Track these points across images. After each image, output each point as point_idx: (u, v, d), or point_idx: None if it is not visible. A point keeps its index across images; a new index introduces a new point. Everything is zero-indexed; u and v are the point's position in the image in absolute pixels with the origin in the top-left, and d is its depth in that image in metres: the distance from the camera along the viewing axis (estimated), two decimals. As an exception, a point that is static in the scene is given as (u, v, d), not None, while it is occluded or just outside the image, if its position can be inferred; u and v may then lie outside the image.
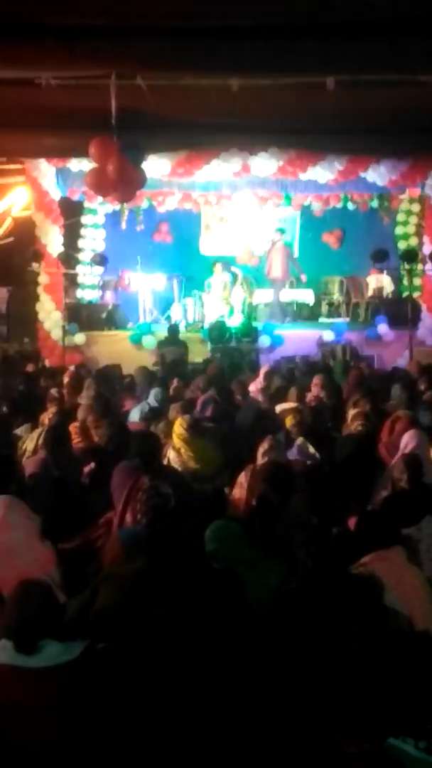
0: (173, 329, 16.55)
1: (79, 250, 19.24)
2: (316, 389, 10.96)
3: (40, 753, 3.11)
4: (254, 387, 11.83)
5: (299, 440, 7.77)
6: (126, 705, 3.23)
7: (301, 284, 19.97)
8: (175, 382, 11.76)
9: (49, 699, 3.19)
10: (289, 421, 8.86)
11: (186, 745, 3.21)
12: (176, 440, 7.86)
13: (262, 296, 19.59)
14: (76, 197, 18.10)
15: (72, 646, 3.38)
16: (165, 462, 7.71)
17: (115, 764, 3.09)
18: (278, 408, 9.67)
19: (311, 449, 7.74)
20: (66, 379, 12.23)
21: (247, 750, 3.30)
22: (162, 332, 17.04)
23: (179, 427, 7.93)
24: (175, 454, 7.75)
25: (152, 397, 10.41)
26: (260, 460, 6.98)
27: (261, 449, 7.18)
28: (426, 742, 2.92)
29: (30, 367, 14.22)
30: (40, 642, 3.41)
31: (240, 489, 6.64)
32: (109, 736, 3.12)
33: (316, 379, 11.35)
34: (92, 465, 7.71)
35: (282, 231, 19.43)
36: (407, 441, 7.65)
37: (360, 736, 3.19)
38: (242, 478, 6.67)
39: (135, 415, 9.77)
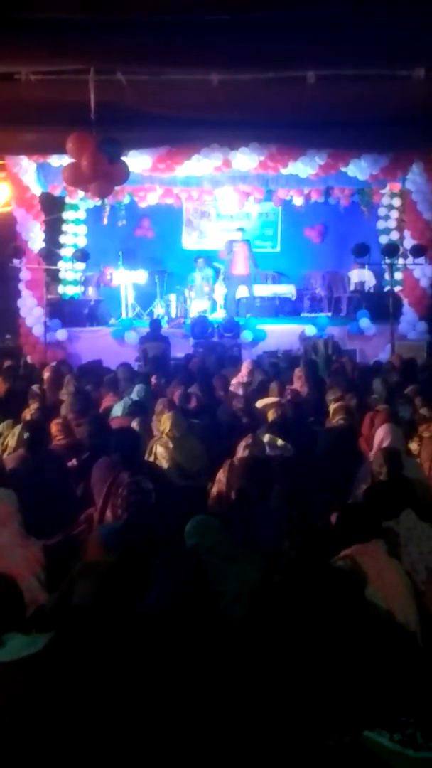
0: (155, 324, 16.53)
1: (60, 245, 19.22)
2: (298, 382, 11.00)
3: (3, 748, 3.08)
4: (236, 382, 11.85)
5: (266, 436, 7.75)
6: (91, 697, 3.20)
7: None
8: (154, 379, 11.76)
9: (12, 693, 3.15)
10: (270, 416, 8.89)
11: (157, 739, 3.20)
12: (165, 436, 7.85)
13: (245, 291, 19.59)
14: (57, 193, 18.03)
15: (36, 638, 3.34)
16: (152, 457, 7.71)
17: (80, 758, 3.07)
18: (259, 403, 9.69)
19: (279, 441, 7.74)
20: (47, 375, 12.22)
21: (225, 743, 3.30)
22: (144, 328, 17.03)
23: (168, 422, 7.91)
24: (163, 449, 7.74)
25: (135, 393, 10.41)
26: (240, 455, 6.98)
27: (242, 444, 7.19)
28: (401, 735, 2.93)
29: (7, 363, 14.14)
30: (5, 635, 3.38)
31: (219, 484, 6.66)
32: (72, 730, 3.09)
33: (298, 372, 11.39)
34: (73, 461, 7.71)
35: (242, 230, 19.49)
36: (382, 435, 7.68)
37: (338, 729, 3.20)
38: (221, 474, 6.68)
39: (118, 411, 9.76)
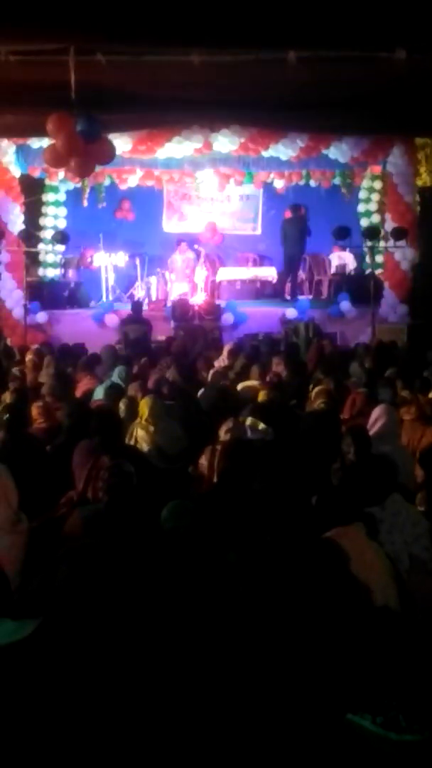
0: (136, 307, 16.50)
1: (40, 227, 19.07)
2: (277, 368, 10.98)
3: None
4: (217, 365, 11.83)
5: (248, 420, 7.73)
6: (78, 683, 3.19)
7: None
8: (141, 361, 11.73)
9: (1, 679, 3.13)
10: (252, 399, 8.87)
11: (141, 724, 3.19)
12: (144, 419, 7.82)
13: (226, 274, 19.57)
14: (36, 174, 17.92)
15: (24, 624, 3.32)
16: (132, 440, 7.67)
17: (67, 745, 3.06)
18: (241, 386, 9.68)
19: (261, 425, 7.72)
20: (28, 358, 12.15)
21: (208, 727, 3.29)
22: (125, 310, 16.98)
23: (145, 406, 7.88)
24: (144, 432, 7.71)
25: (116, 375, 10.37)
26: (222, 439, 6.96)
27: (223, 428, 7.17)
28: (383, 718, 2.93)
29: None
30: None
31: (202, 468, 6.64)
32: (61, 716, 3.08)
33: (277, 360, 11.37)
34: (53, 444, 7.67)
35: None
36: (377, 416, 7.68)
37: (322, 712, 3.20)
38: (204, 458, 6.67)
39: (99, 394, 9.72)
